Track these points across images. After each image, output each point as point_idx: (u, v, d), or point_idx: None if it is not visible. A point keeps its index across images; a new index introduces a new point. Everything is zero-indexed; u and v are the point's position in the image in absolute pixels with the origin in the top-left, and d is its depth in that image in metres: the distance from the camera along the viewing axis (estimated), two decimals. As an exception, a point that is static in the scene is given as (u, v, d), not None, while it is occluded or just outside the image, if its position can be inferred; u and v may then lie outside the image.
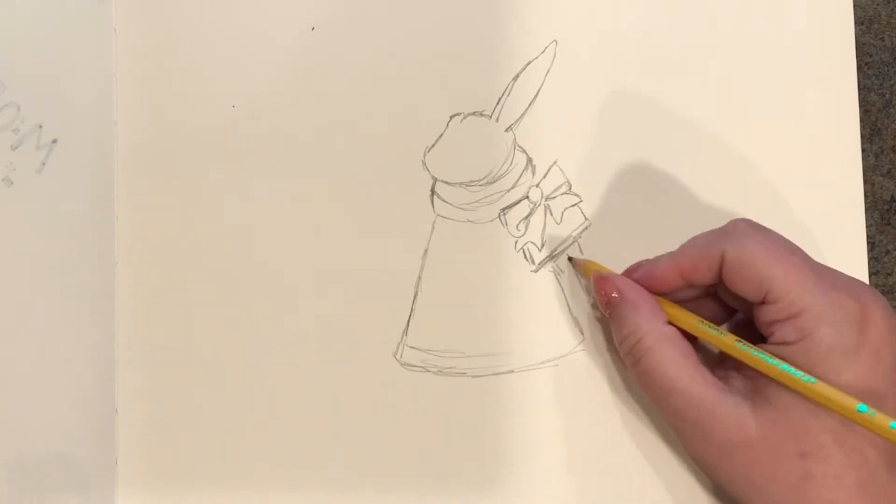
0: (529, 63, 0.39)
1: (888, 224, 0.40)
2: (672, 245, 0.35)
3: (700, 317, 0.34)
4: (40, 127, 0.38)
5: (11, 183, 0.37)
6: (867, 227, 0.39)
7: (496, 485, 0.37)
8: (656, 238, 0.38)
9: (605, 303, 0.35)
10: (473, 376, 0.38)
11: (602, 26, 0.39)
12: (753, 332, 0.33)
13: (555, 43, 0.39)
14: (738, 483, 0.31)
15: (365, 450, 0.37)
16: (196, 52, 0.39)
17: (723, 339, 0.32)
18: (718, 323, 0.35)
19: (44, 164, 0.38)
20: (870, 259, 0.39)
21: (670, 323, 0.34)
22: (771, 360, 0.31)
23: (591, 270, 0.36)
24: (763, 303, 0.31)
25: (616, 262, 0.38)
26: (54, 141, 0.38)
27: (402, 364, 0.38)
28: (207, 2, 0.39)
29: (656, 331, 0.33)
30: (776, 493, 0.30)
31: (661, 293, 0.35)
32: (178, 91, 0.39)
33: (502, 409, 0.38)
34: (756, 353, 0.31)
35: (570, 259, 0.38)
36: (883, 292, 0.39)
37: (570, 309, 0.38)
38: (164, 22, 0.39)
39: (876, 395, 0.30)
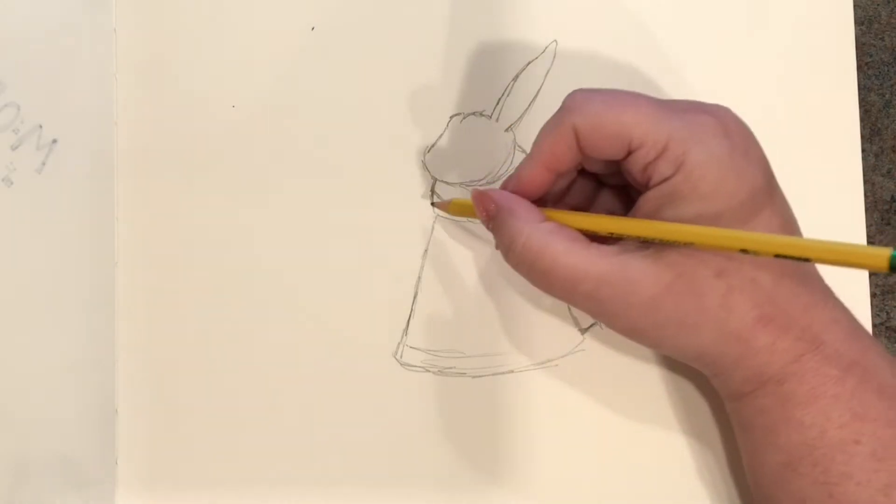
0: (529, 63, 0.39)
1: (888, 224, 0.40)
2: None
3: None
4: (40, 127, 0.38)
5: (11, 183, 0.37)
6: (867, 227, 0.39)
7: (496, 485, 0.37)
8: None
9: (488, 218, 0.34)
10: (473, 376, 0.38)
11: (602, 26, 0.39)
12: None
13: (555, 43, 0.39)
14: (672, 331, 0.31)
15: (365, 450, 0.37)
16: (196, 52, 0.39)
17: (624, 220, 0.31)
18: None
19: (44, 164, 0.38)
20: (870, 259, 0.39)
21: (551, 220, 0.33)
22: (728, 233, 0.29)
23: (457, 205, 0.36)
24: (630, 153, 0.31)
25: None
26: (54, 141, 0.38)
27: (402, 364, 0.38)
28: (207, 2, 0.39)
29: (538, 229, 0.32)
30: (708, 320, 0.30)
31: (538, 196, 0.34)
32: (177, 91, 0.39)
33: (502, 409, 0.38)
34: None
35: (432, 205, 0.37)
36: (883, 292, 0.39)
37: (570, 309, 0.38)
38: (164, 22, 0.39)
39: (754, 196, 0.30)
